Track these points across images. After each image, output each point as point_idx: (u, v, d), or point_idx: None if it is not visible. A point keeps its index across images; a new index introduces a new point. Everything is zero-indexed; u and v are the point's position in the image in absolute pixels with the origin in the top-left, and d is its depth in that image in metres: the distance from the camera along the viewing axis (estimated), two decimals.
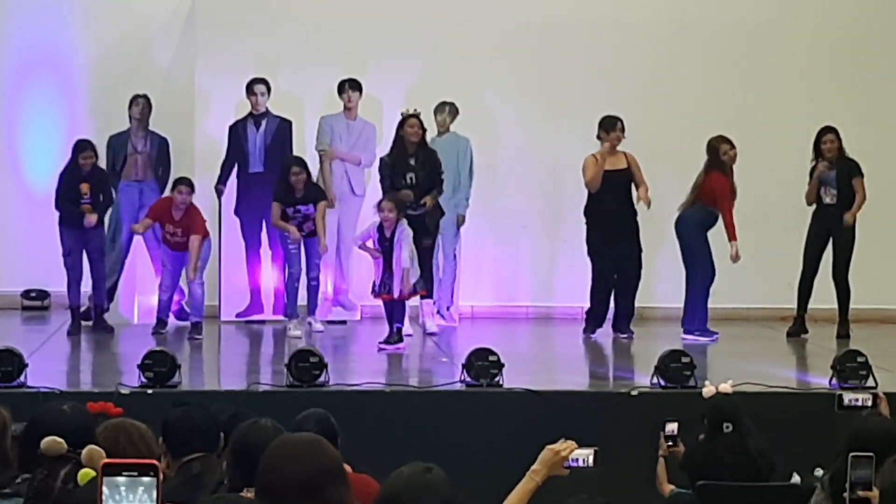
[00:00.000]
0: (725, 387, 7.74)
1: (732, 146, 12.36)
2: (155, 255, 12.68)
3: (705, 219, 12.38)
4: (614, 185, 12.34)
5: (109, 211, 12.60)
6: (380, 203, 11.80)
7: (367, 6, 13.82)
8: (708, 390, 7.75)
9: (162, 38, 14.13)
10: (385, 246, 11.67)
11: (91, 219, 12.05)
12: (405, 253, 11.59)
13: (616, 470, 6.46)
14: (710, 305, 12.51)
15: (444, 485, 3.81)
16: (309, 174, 12.39)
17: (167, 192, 12.50)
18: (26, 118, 14.05)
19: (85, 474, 3.79)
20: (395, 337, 11.65)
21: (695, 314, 12.45)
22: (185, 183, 12.17)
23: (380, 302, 11.95)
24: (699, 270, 12.39)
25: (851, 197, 12.55)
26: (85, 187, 12.03)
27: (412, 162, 12.27)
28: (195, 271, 12.11)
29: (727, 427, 7.39)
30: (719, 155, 12.33)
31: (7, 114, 14.07)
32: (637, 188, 12.32)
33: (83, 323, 12.38)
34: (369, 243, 11.79)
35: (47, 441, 4.28)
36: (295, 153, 12.79)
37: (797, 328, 12.80)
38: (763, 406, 9.08)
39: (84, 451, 4.00)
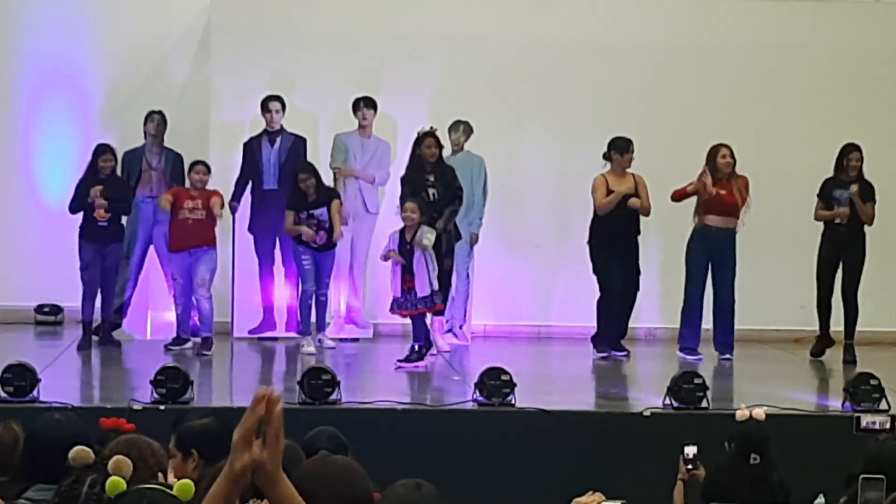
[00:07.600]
0: (759, 412, 7.58)
1: (730, 153, 12.31)
2: (168, 271, 12.69)
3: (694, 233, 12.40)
4: (620, 206, 12.32)
5: (125, 220, 12.60)
6: (403, 205, 11.71)
7: (382, 25, 13.83)
8: (742, 413, 7.60)
9: (177, 55, 14.17)
10: (406, 252, 11.58)
11: (101, 211, 12.05)
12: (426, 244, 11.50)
13: (628, 490, 6.43)
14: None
15: (434, 500, 3.82)
16: (319, 179, 12.36)
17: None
18: (42, 134, 14.08)
19: (114, 483, 3.80)
20: (416, 355, 11.62)
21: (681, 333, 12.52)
22: (202, 163, 12.36)
23: (395, 319, 11.90)
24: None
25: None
26: (97, 190, 12.05)
27: (430, 178, 12.24)
28: (221, 207, 12.22)
29: (755, 459, 7.29)
30: (716, 159, 12.31)
31: (23, 129, 14.11)
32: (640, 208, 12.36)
33: (91, 338, 12.39)
34: (391, 254, 11.66)
35: (76, 451, 4.34)
36: None
37: (820, 347, 12.68)
38: (776, 428, 9.02)
39: (111, 462, 4.04)
